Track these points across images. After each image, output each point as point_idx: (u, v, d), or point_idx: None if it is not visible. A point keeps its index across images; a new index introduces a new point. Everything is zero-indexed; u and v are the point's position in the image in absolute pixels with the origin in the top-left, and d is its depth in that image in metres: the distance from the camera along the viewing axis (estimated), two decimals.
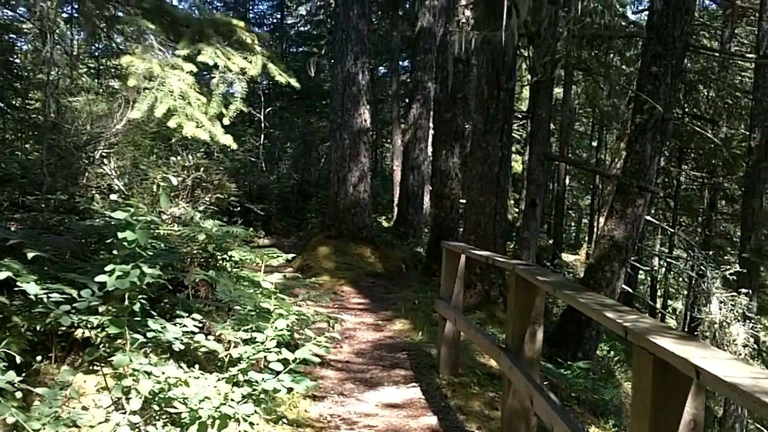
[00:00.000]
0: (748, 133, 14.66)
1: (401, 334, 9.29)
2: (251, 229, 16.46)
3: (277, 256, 9.03)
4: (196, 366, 5.17)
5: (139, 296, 3.31)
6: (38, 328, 3.68)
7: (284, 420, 5.67)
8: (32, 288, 3.26)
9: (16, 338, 3.58)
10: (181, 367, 3.52)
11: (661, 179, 14.52)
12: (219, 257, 7.28)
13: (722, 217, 17.40)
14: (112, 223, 3.37)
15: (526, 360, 4.91)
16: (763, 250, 13.65)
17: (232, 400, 3.25)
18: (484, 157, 10.21)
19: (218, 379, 3.55)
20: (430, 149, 17.68)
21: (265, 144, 19.82)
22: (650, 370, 2.65)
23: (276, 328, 3.86)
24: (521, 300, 4.95)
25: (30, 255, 4.35)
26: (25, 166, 9.62)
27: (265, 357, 3.67)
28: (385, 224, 19.71)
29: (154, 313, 3.83)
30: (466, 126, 14.00)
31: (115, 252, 3.25)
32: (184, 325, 3.87)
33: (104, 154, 11.65)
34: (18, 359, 3.58)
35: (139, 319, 3.46)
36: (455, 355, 7.49)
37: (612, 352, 11.37)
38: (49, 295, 3.24)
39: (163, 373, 3.15)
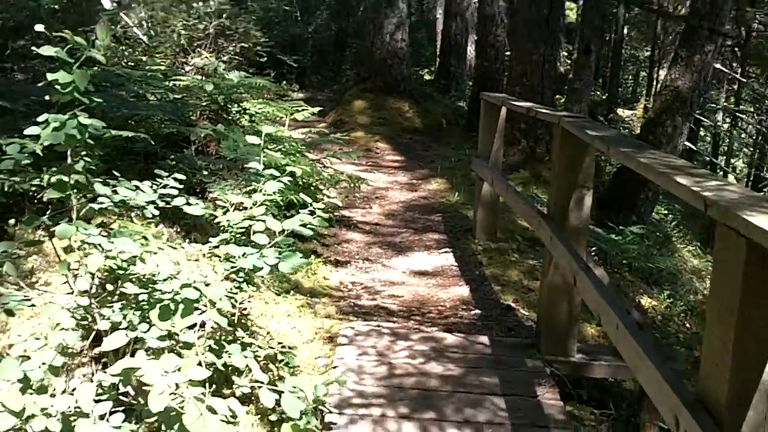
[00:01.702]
0: None
1: (436, 195, 8.63)
2: (284, 82, 15.76)
3: (302, 109, 8.33)
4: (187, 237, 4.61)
5: (85, 152, 2.64)
6: None
7: (297, 288, 5.14)
8: None
9: None
10: (146, 239, 2.89)
11: (731, 24, 13.08)
12: (232, 110, 6.58)
13: None
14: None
15: (570, 230, 4.20)
16: None
17: (206, 278, 2.64)
18: None
19: (200, 253, 2.95)
20: None
21: None
22: (742, 258, 1.92)
23: (265, 192, 3.18)
24: (567, 159, 4.19)
25: None
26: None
27: (250, 227, 3.02)
28: (427, 77, 18.64)
29: (117, 174, 3.17)
30: None
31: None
32: (164, 186, 3.22)
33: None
34: None
35: (98, 180, 2.81)
36: (493, 218, 6.83)
37: (670, 215, 10.58)
38: None
39: (114, 246, 2.53)
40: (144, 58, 7.83)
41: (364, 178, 7.69)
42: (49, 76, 2.50)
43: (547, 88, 9.10)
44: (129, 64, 8.29)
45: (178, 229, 4.50)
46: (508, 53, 12.59)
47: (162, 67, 7.83)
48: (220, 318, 2.41)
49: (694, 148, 11.13)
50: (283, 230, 2.90)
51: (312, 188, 6.79)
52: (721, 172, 14.45)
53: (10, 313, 2.48)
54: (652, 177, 2.65)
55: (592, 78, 8.61)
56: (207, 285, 2.50)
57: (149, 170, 5.18)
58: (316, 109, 8.53)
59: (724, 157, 17.38)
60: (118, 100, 5.33)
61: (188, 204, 3.22)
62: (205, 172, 5.38)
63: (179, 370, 2.18)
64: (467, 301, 5.36)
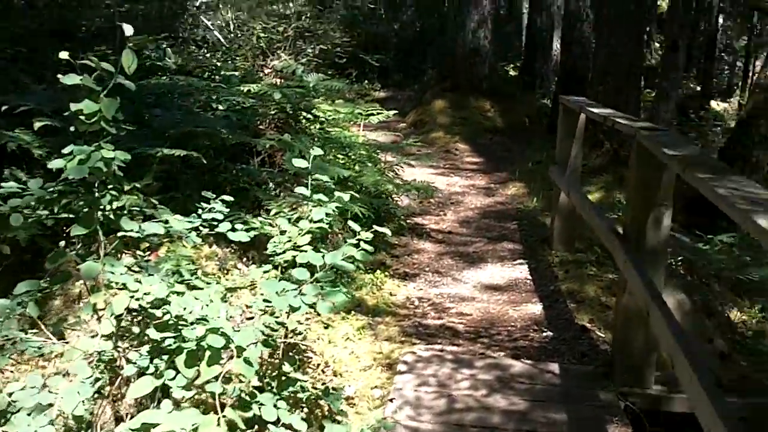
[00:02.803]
0: None
1: (514, 200, 8.32)
2: (366, 81, 15.66)
3: (378, 112, 8.16)
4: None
5: (113, 184, 2.52)
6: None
7: (360, 306, 4.97)
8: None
9: None
10: (193, 263, 2.76)
11: None
12: (301, 117, 6.45)
13: None
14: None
15: (647, 253, 3.87)
16: None
17: (231, 320, 2.48)
18: None
19: (226, 290, 2.80)
20: None
21: None
22: None
23: (311, 218, 3.00)
24: (644, 175, 3.86)
25: (37, 124, 3.69)
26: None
27: (293, 258, 2.85)
28: (513, 73, 18.19)
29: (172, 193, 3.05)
30: None
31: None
32: (210, 209, 3.09)
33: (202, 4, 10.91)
34: None
35: (125, 214, 2.68)
36: (571, 228, 6.49)
37: None
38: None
39: (141, 284, 2.40)
40: (218, 64, 7.79)
41: (435, 187, 7.44)
42: (73, 107, 2.39)
43: (633, 87, 8.64)
44: (209, 67, 8.31)
45: (234, 248, 4.40)
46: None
47: (236, 73, 7.78)
48: (246, 369, 2.23)
49: None
50: (324, 265, 2.70)
51: (383, 196, 6.62)
52: None
53: (38, 352, 2.40)
54: (729, 213, 2.34)
55: (681, 76, 8.09)
56: (236, 330, 2.34)
57: (213, 182, 5.13)
58: (392, 113, 8.35)
59: None
60: (183, 112, 5.28)
61: (233, 230, 3.09)
62: (271, 185, 5.27)
63: (196, 430, 2.03)
64: (539, 320, 5.07)
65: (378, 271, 5.74)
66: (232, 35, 10.43)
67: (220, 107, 5.57)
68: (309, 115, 6.50)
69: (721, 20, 18.87)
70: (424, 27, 19.34)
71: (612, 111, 5.23)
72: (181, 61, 6.82)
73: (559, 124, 6.45)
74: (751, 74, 17.56)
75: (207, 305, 2.43)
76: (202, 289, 2.58)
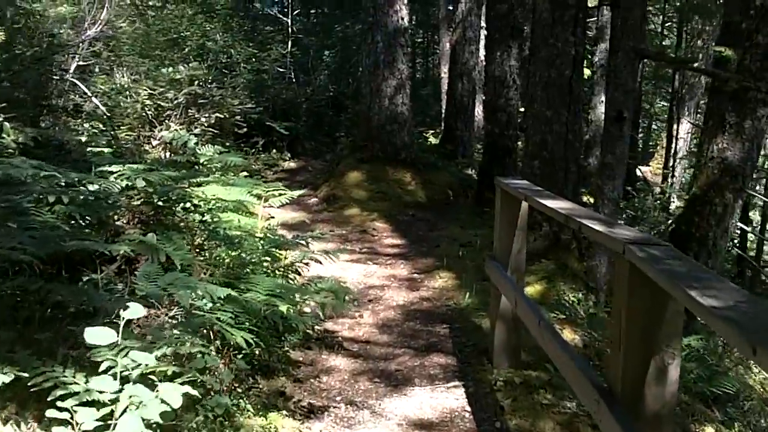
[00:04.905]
0: None
1: (442, 295, 7.07)
2: (274, 150, 14.40)
3: (280, 194, 6.89)
4: None
5: None
6: None
7: None
8: None
9: None
10: None
11: None
12: (175, 208, 5.08)
13: None
14: None
15: (647, 419, 2.67)
16: None
17: None
18: (551, 58, 7.69)
19: None
20: (482, 53, 15.00)
21: (294, 52, 17.33)
22: None
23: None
24: (642, 308, 2.68)
25: None
26: None
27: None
28: (433, 140, 17.22)
29: None
30: (525, 25, 11.36)
31: None
32: None
33: (80, 66, 9.50)
34: None
35: None
36: (515, 338, 5.28)
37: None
38: None
39: None
40: (82, 139, 6.40)
41: (348, 289, 6.14)
42: None
43: (571, 161, 7.62)
44: (70, 143, 6.90)
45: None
46: (522, 118, 11.24)
47: (105, 150, 6.39)
48: None
49: (747, 229, 9.59)
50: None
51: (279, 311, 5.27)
52: None
53: None
54: None
55: (626, 150, 7.12)
56: None
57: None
58: (296, 193, 7.08)
59: None
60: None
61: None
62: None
63: None
64: None
65: (273, 410, 4.37)
66: (113, 103, 9.04)
67: (65, 199, 4.16)
68: (187, 204, 5.13)
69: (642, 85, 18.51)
70: (338, 92, 18.32)
71: (573, 206, 4.06)
72: (27, 137, 5.37)
73: (496, 212, 5.29)
74: (674, 138, 17.11)
75: None
76: None
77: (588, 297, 7.07)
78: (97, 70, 10.42)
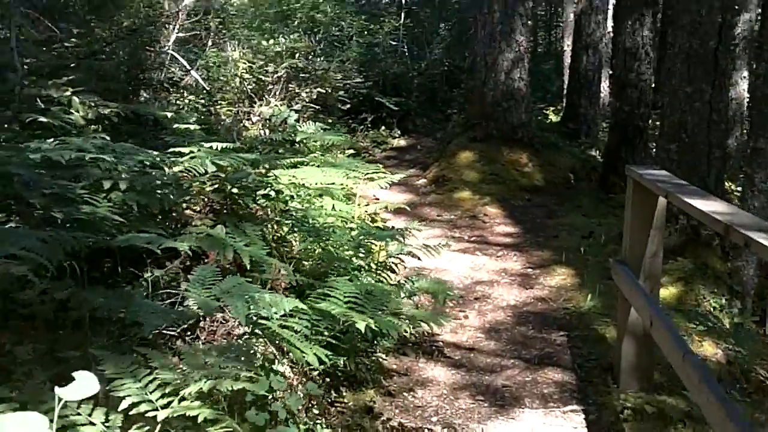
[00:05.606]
0: None
1: (560, 295, 6.25)
2: (383, 127, 13.78)
3: (380, 176, 6.27)
4: None
5: None
6: None
7: None
8: None
9: None
10: None
11: None
12: (255, 197, 4.49)
13: None
14: None
15: None
16: None
17: None
18: (693, 26, 6.64)
19: None
20: (610, 23, 13.80)
21: (407, 24, 16.57)
22: None
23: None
24: None
25: None
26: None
27: None
28: (554, 118, 16.12)
29: None
30: None
31: None
32: None
33: (180, 39, 9.14)
34: None
35: None
36: (647, 356, 4.44)
37: None
38: None
39: None
40: (168, 115, 5.96)
41: (452, 288, 5.43)
42: None
43: (715, 146, 6.58)
44: (151, 117, 6.49)
45: None
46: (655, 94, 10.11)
47: (192, 127, 5.92)
48: None
49: None
50: None
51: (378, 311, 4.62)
52: None
53: None
54: None
55: None
56: None
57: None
58: (397, 176, 6.40)
59: None
60: (49, 197, 3.39)
61: None
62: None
63: None
64: None
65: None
66: (213, 77, 8.63)
67: (122, 186, 3.65)
68: (267, 191, 4.54)
69: None
70: (453, 66, 17.45)
71: (734, 210, 3.17)
72: (96, 113, 4.92)
73: (626, 207, 4.44)
74: None
75: None
76: None
77: (732, 303, 6.10)
78: (210, 43, 10.08)
